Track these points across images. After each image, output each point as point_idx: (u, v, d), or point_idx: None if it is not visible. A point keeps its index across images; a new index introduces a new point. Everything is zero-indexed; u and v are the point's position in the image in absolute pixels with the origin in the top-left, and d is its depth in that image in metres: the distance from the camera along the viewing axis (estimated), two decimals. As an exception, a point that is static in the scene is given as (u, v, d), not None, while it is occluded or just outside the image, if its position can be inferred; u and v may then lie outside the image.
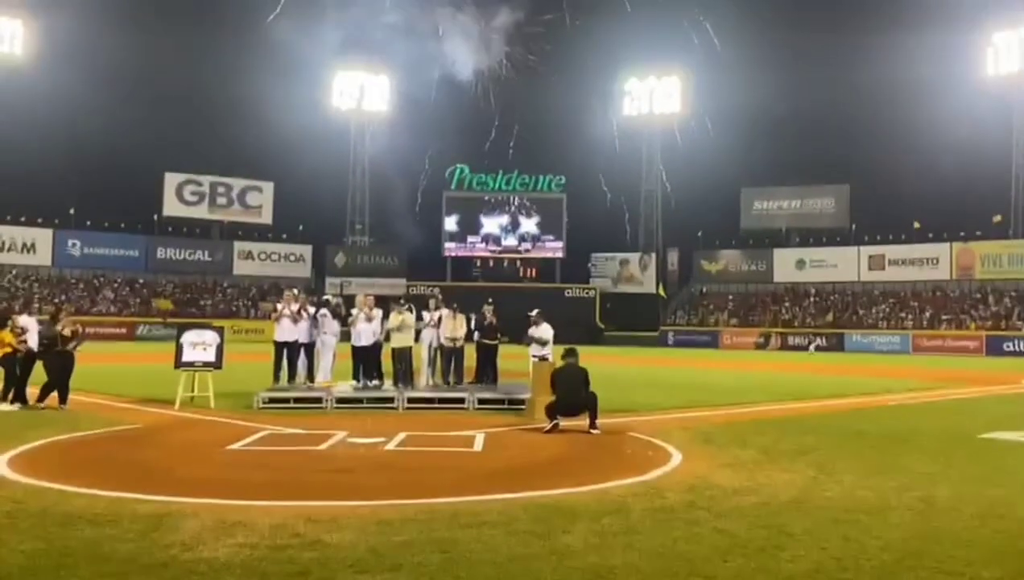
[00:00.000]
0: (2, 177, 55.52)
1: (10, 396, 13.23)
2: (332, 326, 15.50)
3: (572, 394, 11.30)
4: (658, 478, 8.10)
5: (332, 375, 15.37)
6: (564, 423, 11.21)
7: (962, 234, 56.08)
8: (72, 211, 57.44)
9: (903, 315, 55.05)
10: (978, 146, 51.69)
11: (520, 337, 15.86)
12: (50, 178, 53.15)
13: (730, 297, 63.04)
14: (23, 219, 56.41)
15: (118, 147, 54.68)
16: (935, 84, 51.20)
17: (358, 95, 61.85)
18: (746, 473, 8.37)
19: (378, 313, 15.00)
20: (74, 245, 58.06)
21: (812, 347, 49.62)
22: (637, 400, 15.98)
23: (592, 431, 11.01)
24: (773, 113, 53.97)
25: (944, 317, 53.39)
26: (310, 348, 15.25)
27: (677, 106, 62.61)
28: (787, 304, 60.26)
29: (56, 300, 47.96)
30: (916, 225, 56.87)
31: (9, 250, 56.04)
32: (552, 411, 11.33)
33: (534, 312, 15.28)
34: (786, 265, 62.19)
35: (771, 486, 7.72)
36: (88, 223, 58.42)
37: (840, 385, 21.45)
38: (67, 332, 13.56)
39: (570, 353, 11.95)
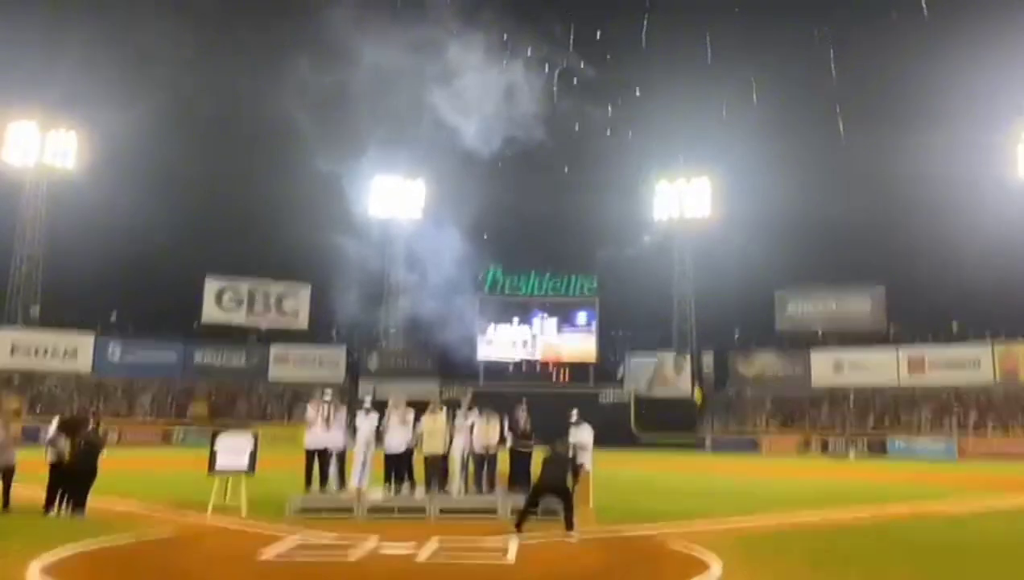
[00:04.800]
0: (49, 284, 57.52)
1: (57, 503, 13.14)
2: (364, 430, 15.30)
3: (556, 479, 11.39)
4: (699, 592, 7.81)
5: (366, 481, 15.11)
6: (596, 530, 10.92)
7: (1003, 335, 55.05)
8: (113, 317, 58.66)
9: (946, 420, 53.54)
10: (1016, 245, 51.33)
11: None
12: (93, 284, 54.61)
13: (768, 400, 61.98)
14: (64, 322, 57.48)
15: (159, 253, 56.57)
16: (969, 183, 51.15)
17: (394, 201, 63.40)
18: (791, 587, 8.05)
19: (411, 416, 14.86)
20: (113, 351, 58.91)
21: (852, 454, 48.35)
22: (674, 508, 15.57)
23: (569, 537, 10.80)
24: (805, 214, 54.26)
25: (990, 422, 51.84)
26: (342, 454, 15.07)
27: (707, 210, 63.17)
28: (826, 408, 59.03)
29: (94, 408, 48.50)
30: (955, 326, 56.04)
31: (51, 356, 56.92)
32: (529, 498, 11.49)
33: (574, 413, 14.97)
34: (824, 368, 61.20)
35: (818, 601, 7.40)
36: (129, 329, 59.52)
37: (886, 492, 20.76)
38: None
39: (560, 442, 11.92)
